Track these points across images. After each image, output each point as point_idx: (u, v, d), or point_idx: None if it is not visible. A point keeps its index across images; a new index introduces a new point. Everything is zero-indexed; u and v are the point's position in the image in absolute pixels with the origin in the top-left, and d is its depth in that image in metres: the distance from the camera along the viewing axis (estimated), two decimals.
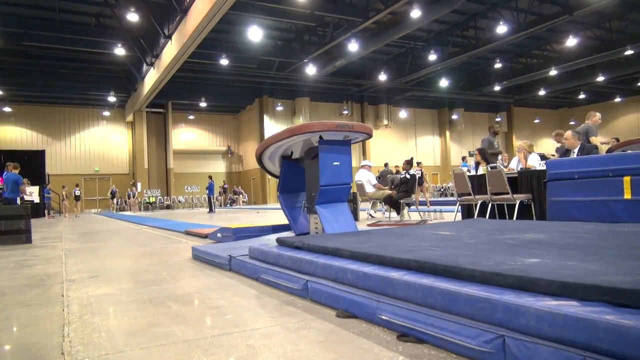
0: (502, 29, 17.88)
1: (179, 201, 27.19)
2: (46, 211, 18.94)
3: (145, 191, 25.71)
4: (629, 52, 20.76)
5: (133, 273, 3.89)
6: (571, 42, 20.18)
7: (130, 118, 26.78)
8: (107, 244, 6.82)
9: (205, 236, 6.32)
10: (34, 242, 6.91)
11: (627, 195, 4.01)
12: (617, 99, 32.74)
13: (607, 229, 3.26)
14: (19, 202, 9.62)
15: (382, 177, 13.25)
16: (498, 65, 24.28)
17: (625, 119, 32.90)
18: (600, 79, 25.75)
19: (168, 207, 26.00)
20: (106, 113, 27.10)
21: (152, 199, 25.77)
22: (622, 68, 24.54)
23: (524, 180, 5.93)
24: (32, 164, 22.38)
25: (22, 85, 22.83)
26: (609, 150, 7.11)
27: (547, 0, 16.64)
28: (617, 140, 10.60)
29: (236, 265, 3.55)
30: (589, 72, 25.59)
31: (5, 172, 9.82)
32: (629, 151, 5.99)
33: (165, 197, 26.63)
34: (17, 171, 9.39)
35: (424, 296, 1.83)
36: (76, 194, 21.27)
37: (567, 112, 36.50)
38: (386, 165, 15.28)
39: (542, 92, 29.25)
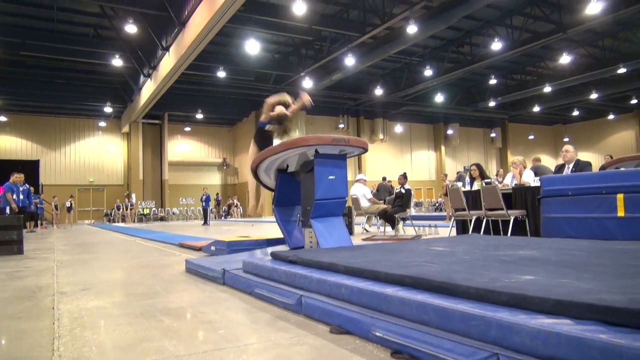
0: (496, 45, 18.09)
1: (173, 213, 27.06)
2: (39, 222, 18.79)
3: (139, 202, 25.60)
4: (621, 70, 21.03)
5: (125, 286, 3.85)
6: (565, 59, 20.44)
7: (126, 129, 26.76)
8: (99, 255, 6.76)
9: (199, 249, 6.27)
10: (25, 253, 6.84)
11: (621, 213, 4.03)
12: (611, 116, 33.09)
13: (601, 247, 3.27)
14: (8, 211, 9.60)
15: (380, 191, 13.25)
16: (493, 82, 24.50)
17: (619, 136, 33.23)
18: (594, 96, 26.03)
19: (162, 218, 25.87)
20: (102, 124, 27.08)
21: (146, 211, 25.66)
22: (615, 86, 24.83)
23: (518, 196, 5.95)
24: (26, 173, 22.24)
25: (18, 94, 22.82)
26: (601, 168, 7.15)
27: (541, 18, 16.88)
28: (611, 157, 10.70)
29: (230, 279, 3.52)
30: (582, 90, 25.87)
31: None
32: (622, 169, 6.03)
33: (159, 209, 26.51)
34: (12, 180, 9.43)
35: (418, 313, 1.83)
36: (67, 205, 21.12)
37: (561, 128, 36.83)
38: (384, 179, 15.31)
39: (536, 109, 29.52)
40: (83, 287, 3.68)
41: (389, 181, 15.23)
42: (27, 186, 11.44)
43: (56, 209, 20.84)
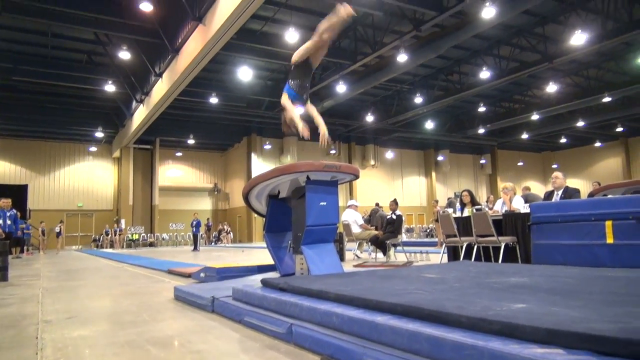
0: (485, 74, 18.50)
1: (163, 238, 26.73)
2: (25, 248, 18.46)
3: (128, 228, 25.30)
4: (606, 99, 21.51)
5: (112, 314, 3.78)
6: (551, 88, 20.93)
7: (117, 154, 26.66)
8: (86, 282, 6.64)
9: (189, 276, 6.19)
10: (10, 280, 6.70)
11: (610, 240, 4.06)
12: (597, 144, 33.65)
13: (591, 274, 3.28)
14: None
15: (372, 217, 13.22)
16: (482, 109, 24.91)
17: (606, 163, 33.72)
18: (581, 124, 26.49)
19: (151, 244, 25.54)
20: (93, 148, 26.96)
21: (136, 236, 25.32)
22: (600, 114, 25.34)
23: (509, 222, 5.98)
24: (13, 198, 21.97)
25: (7, 119, 22.67)
26: (590, 195, 7.24)
27: (528, 48, 17.32)
28: (599, 184, 10.84)
29: (219, 307, 3.47)
30: (569, 117, 26.34)
31: None
32: (610, 195, 6.11)
33: (148, 234, 26.20)
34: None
35: (409, 342, 1.81)
36: (56, 230, 20.80)
37: (550, 155, 37.34)
38: (377, 205, 15.30)
39: (524, 136, 29.97)
40: (68, 316, 3.60)
41: (381, 207, 15.25)
42: (14, 211, 11.27)
43: (43, 234, 20.48)
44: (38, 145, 25.78)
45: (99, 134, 25.26)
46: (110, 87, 18.90)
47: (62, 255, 16.51)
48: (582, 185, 27.61)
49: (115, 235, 24.47)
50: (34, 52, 17.49)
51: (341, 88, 18.79)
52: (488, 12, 12.55)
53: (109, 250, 21.78)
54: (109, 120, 24.80)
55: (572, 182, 25.65)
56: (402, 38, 14.87)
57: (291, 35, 13.99)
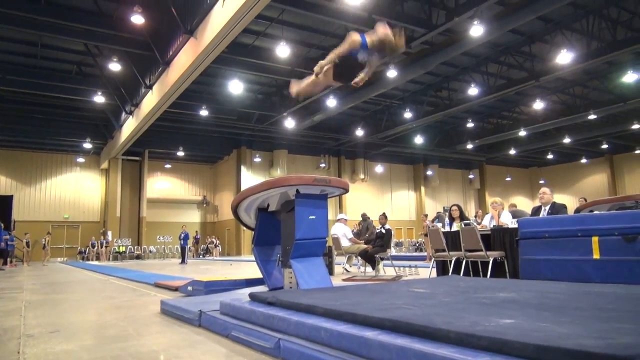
0: (473, 91, 18.75)
1: (150, 251, 26.42)
2: (9, 259, 18.11)
3: (115, 240, 24.98)
4: (592, 117, 21.90)
5: (97, 328, 3.71)
6: (538, 105, 21.28)
7: (105, 165, 26.43)
8: (71, 295, 6.52)
9: (176, 289, 6.11)
10: None
11: (596, 255, 4.10)
12: (583, 160, 34.15)
13: (578, 289, 3.30)
14: None
15: (362, 227, 13.17)
16: (470, 125, 25.20)
17: (592, 180, 34.19)
18: (567, 140, 26.89)
19: (138, 257, 25.22)
20: (80, 159, 26.69)
21: (122, 249, 24.99)
22: (586, 131, 25.77)
23: (497, 237, 6.02)
24: None
25: None
26: (576, 211, 7.32)
27: (515, 66, 17.62)
28: (585, 200, 10.99)
29: (206, 321, 3.43)
30: (555, 134, 26.75)
31: None
32: (596, 212, 6.18)
33: (136, 247, 25.88)
34: None
35: (398, 357, 1.80)
36: (42, 242, 20.46)
37: (537, 171, 37.79)
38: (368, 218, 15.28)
39: (512, 152, 30.34)
40: (52, 330, 3.53)
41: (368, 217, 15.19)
42: None
43: (27, 246, 20.14)
44: (25, 155, 25.48)
45: (87, 145, 25.05)
46: (99, 98, 18.80)
47: (47, 268, 16.22)
48: (569, 200, 27.90)
49: (101, 247, 24.14)
50: (22, 62, 17.38)
51: (331, 102, 18.91)
52: (476, 31, 12.76)
53: (95, 262, 21.47)
54: (98, 131, 24.62)
55: (559, 198, 25.79)
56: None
57: (282, 50, 14.10)
